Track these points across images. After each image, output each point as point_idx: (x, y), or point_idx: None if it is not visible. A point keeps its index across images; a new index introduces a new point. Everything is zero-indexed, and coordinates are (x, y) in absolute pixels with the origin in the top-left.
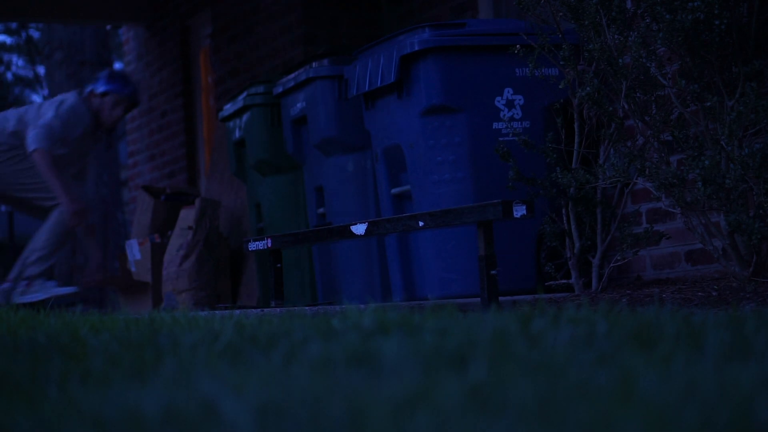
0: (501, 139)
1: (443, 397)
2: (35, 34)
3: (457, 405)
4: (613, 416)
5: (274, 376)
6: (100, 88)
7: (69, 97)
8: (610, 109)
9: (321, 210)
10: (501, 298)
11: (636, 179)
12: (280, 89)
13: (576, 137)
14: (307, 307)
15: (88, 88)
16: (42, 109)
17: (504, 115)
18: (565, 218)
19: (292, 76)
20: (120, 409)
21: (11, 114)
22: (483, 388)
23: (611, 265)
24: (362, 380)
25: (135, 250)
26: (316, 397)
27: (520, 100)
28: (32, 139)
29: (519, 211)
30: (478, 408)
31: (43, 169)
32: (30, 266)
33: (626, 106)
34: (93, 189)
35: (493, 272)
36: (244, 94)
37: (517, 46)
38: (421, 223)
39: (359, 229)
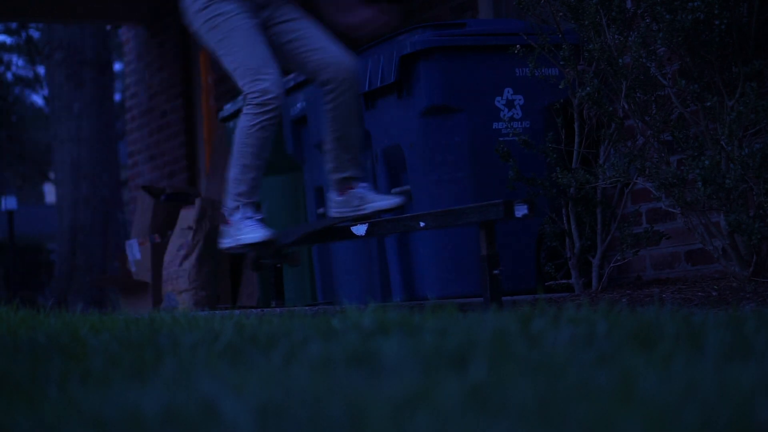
0: (501, 139)
1: (443, 397)
2: (35, 34)
3: (457, 405)
4: (613, 416)
5: (274, 376)
6: None
7: None
8: (610, 109)
9: (321, 210)
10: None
11: (636, 179)
12: None
13: (576, 137)
14: (307, 307)
15: None
16: None
17: (504, 115)
18: (565, 218)
19: (291, 75)
20: (120, 409)
21: None
22: (483, 388)
23: (611, 265)
24: (362, 380)
25: (135, 250)
26: (316, 397)
27: (520, 100)
28: None
29: (521, 211)
30: (478, 408)
31: None
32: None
33: (626, 106)
34: None
35: (495, 272)
36: None
37: (517, 46)
38: (422, 224)
39: (360, 229)
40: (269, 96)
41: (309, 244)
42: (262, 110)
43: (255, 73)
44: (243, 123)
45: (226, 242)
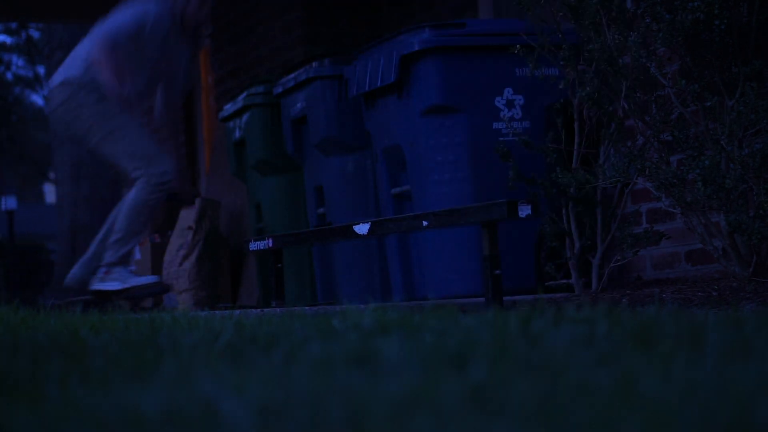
0: (501, 139)
1: (444, 398)
2: (35, 34)
3: (458, 405)
4: (613, 416)
5: (274, 376)
6: None
7: (150, 5)
8: (610, 109)
9: (321, 210)
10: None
11: (636, 179)
12: (280, 89)
13: (576, 137)
14: (307, 307)
15: None
16: (119, 13)
17: (504, 115)
18: (565, 218)
19: (292, 76)
20: (120, 409)
21: (94, 34)
22: (483, 389)
23: (611, 265)
24: (362, 380)
25: (135, 250)
26: (316, 398)
27: (520, 100)
28: (97, 41)
29: (524, 211)
30: (478, 408)
31: (102, 61)
32: (108, 250)
33: (626, 106)
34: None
35: (497, 272)
36: (244, 94)
37: (517, 46)
38: (425, 223)
39: (362, 228)
40: (166, 179)
41: None
42: (159, 189)
43: (151, 159)
44: (141, 194)
45: (116, 285)
